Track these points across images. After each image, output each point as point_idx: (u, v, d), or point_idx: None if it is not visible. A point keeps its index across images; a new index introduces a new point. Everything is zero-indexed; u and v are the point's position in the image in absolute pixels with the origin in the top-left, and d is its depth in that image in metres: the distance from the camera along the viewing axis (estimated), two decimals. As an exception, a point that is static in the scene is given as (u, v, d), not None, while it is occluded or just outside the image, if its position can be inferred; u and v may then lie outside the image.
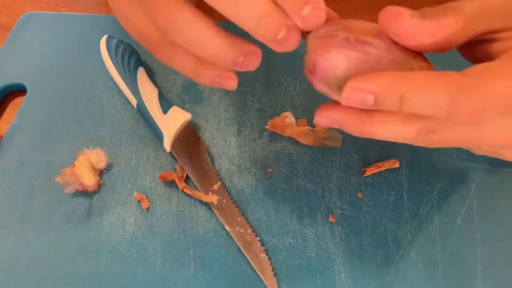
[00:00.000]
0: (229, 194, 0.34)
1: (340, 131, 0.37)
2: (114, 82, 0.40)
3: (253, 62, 0.23)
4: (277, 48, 0.22)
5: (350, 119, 0.23)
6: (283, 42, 0.21)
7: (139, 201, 0.34)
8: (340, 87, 0.22)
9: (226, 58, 0.23)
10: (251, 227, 0.32)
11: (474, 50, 0.24)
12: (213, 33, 0.22)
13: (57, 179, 0.34)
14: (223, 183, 0.35)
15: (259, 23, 0.21)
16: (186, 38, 0.22)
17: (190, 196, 0.34)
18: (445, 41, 0.21)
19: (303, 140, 0.36)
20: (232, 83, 0.25)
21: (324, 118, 0.24)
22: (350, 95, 0.21)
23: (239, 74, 0.24)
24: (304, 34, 0.23)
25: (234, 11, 0.21)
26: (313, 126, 0.37)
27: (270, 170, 0.35)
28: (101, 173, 0.35)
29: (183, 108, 0.37)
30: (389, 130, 0.22)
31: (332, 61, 0.22)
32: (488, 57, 0.23)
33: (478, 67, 0.21)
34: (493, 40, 0.23)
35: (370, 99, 0.21)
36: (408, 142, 0.23)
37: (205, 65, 0.24)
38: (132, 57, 0.39)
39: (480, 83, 0.20)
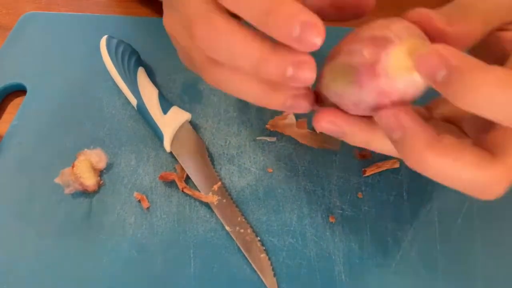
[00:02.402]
0: (229, 194, 0.34)
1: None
2: (114, 82, 0.40)
3: (305, 74, 0.20)
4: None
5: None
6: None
7: (139, 201, 0.34)
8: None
9: (271, 71, 0.20)
10: (251, 227, 0.32)
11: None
12: (250, 40, 0.20)
13: (56, 180, 0.34)
14: (223, 183, 0.35)
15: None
16: (219, 50, 0.20)
17: (190, 196, 0.34)
18: (469, 44, 0.21)
19: (303, 140, 0.36)
20: (305, 103, 0.22)
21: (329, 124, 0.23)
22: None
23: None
24: None
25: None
26: (313, 129, 0.37)
27: (270, 170, 0.35)
28: (101, 173, 0.35)
29: (183, 108, 0.37)
30: None
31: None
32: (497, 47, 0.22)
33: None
34: (504, 30, 0.22)
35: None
36: None
37: (270, 86, 0.21)
38: (132, 57, 0.39)
39: None
